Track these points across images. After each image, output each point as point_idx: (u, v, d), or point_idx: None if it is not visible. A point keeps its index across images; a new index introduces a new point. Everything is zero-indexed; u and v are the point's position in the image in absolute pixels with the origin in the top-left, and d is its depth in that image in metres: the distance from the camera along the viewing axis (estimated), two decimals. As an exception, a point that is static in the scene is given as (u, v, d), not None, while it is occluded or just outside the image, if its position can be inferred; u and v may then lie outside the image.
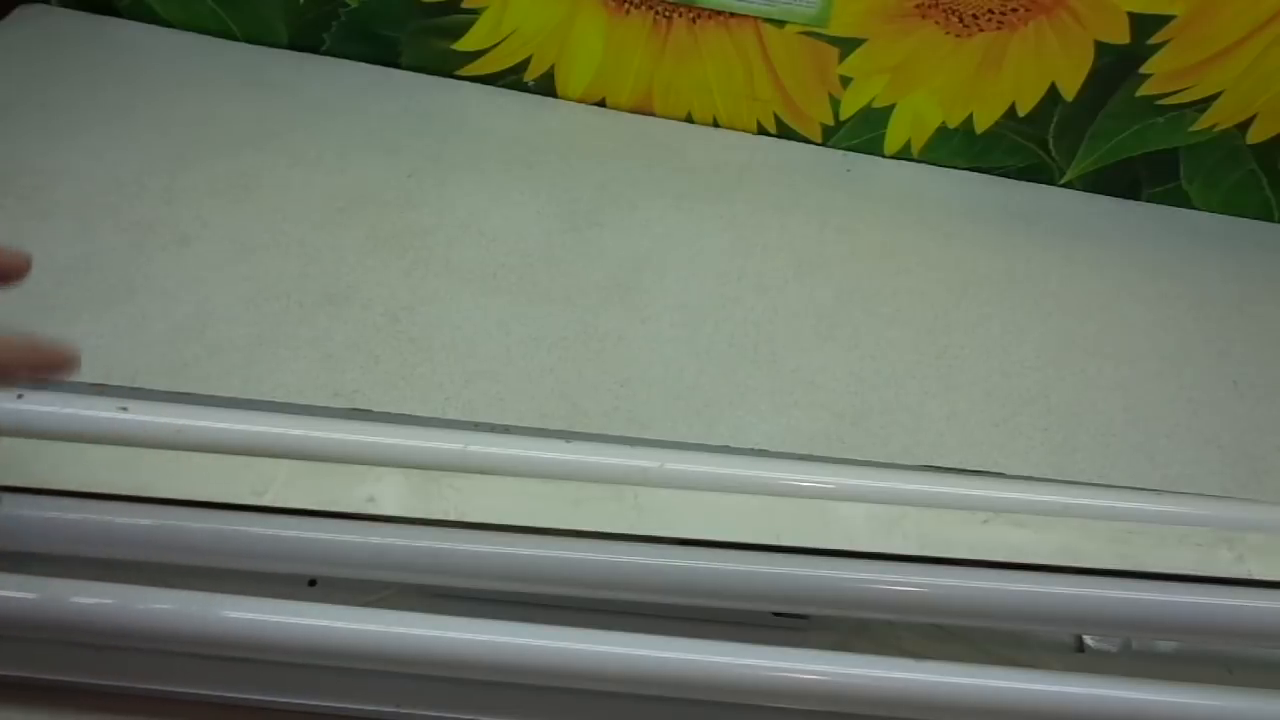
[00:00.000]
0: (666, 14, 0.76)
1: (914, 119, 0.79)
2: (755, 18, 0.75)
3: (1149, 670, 0.44)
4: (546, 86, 0.82)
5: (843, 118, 0.80)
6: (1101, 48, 0.72)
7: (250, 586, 0.42)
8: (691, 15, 0.76)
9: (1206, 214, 0.81)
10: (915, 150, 0.81)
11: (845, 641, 0.47)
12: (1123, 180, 0.80)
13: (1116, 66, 0.73)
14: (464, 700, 0.44)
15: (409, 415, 0.56)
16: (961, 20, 0.73)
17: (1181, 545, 0.44)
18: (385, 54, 0.82)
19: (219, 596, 0.41)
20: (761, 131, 0.82)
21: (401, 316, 0.63)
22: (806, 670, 0.41)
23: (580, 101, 0.83)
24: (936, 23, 0.73)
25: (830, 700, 0.41)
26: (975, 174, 0.81)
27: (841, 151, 0.82)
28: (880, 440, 0.60)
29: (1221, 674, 0.48)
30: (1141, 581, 0.42)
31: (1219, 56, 0.71)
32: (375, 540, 0.42)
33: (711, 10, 0.75)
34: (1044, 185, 0.81)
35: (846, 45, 0.75)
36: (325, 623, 0.41)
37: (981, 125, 0.78)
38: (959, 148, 0.80)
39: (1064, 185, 0.81)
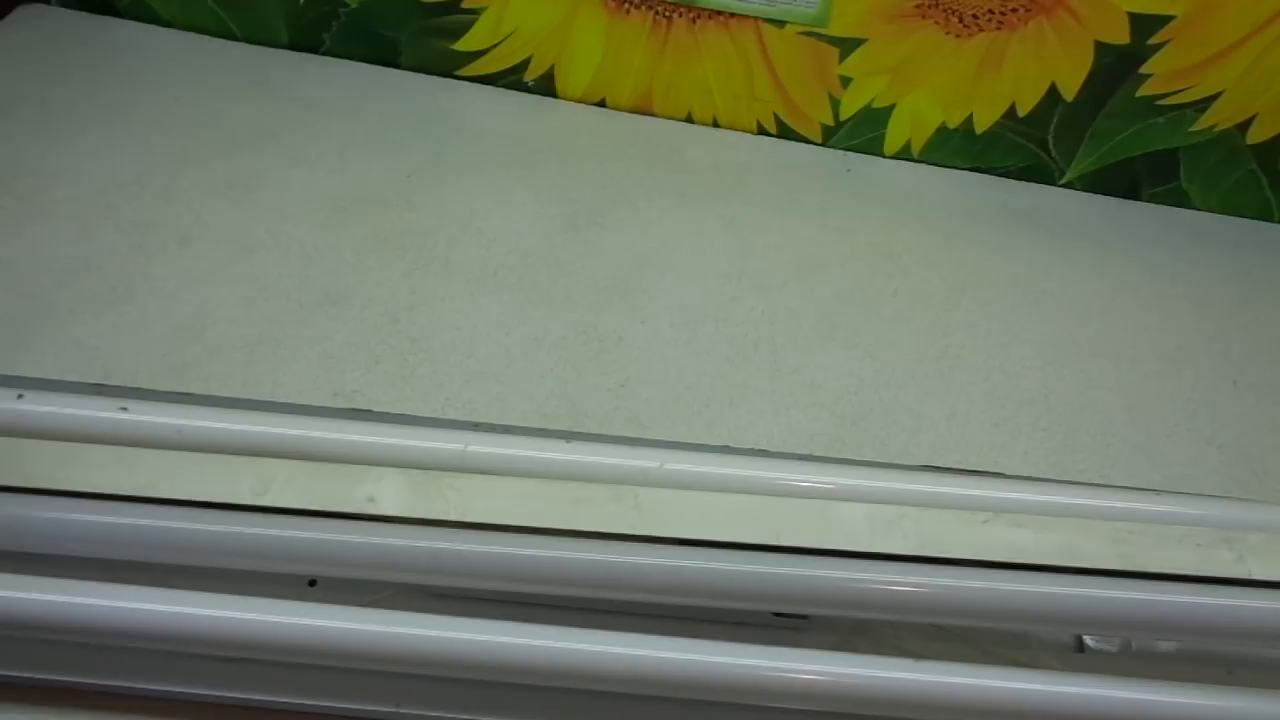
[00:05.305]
0: (666, 14, 0.76)
1: (914, 119, 0.79)
2: (755, 18, 0.75)
3: (1149, 670, 0.44)
4: (546, 86, 0.82)
5: (843, 118, 0.80)
6: (1101, 48, 0.72)
7: (250, 586, 0.42)
8: (691, 15, 0.76)
9: (1206, 214, 0.81)
10: (915, 150, 0.81)
11: (845, 641, 0.47)
12: (1123, 180, 0.80)
13: (1116, 66, 0.73)
14: (464, 700, 0.44)
15: (409, 415, 0.56)
16: (961, 20, 0.73)
17: (1181, 545, 0.44)
18: (385, 54, 0.82)
19: (219, 596, 0.41)
20: (761, 131, 0.82)
21: (401, 316, 0.63)
22: (806, 670, 0.41)
23: (580, 101, 0.83)
24: (936, 23, 0.73)
25: (830, 700, 0.41)
26: (975, 174, 0.81)
27: (841, 151, 0.82)
28: (880, 440, 0.60)
29: (1221, 674, 0.48)
30: (1141, 581, 0.42)
31: (1219, 56, 0.71)
32: (375, 540, 0.42)
33: (711, 10, 0.75)
34: (1044, 185, 0.81)
35: (846, 45, 0.75)
36: (325, 623, 0.41)
37: (981, 125, 0.78)
38: (959, 148, 0.80)
39: (1064, 185, 0.81)
